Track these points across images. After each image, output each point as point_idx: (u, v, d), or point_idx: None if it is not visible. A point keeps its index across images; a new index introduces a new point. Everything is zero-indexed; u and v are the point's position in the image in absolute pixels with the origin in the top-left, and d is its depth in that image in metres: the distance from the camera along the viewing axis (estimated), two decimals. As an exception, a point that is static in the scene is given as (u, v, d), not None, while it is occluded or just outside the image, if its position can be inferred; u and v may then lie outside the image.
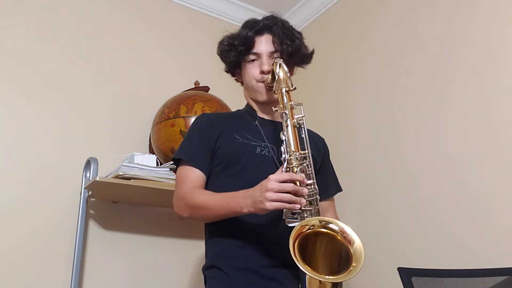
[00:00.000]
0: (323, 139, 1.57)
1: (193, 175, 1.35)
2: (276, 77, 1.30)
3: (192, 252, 2.15)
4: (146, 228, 2.10)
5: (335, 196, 1.54)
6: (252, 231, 1.28)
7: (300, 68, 1.54)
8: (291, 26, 1.46)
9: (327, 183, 1.49)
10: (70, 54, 2.13)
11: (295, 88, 1.30)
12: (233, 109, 1.74)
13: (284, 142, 1.23)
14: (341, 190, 1.56)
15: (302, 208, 1.15)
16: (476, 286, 1.26)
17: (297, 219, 1.16)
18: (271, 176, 1.14)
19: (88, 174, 1.91)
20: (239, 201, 1.19)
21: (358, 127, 2.21)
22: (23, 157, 1.90)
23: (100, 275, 1.94)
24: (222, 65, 1.53)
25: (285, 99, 1.27)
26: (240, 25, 1.47)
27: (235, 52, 1.43)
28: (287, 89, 1.29)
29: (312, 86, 2.48)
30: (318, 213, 1.20)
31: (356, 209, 2.07)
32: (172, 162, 1.88)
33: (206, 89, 2.20)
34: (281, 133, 1.25)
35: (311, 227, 1.11)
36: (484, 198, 1.62)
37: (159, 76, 2.36)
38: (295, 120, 1.26)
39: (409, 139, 1.93)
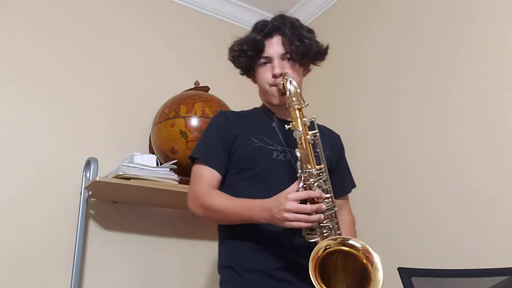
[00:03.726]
0: (338, 136, 1.58)
1: (209, 175, 1.35)
2: (287, 93, 1.30)
3: (192, 252, 2.16)
4: (146, 228, 2.10)
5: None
6: (266, 234, 1.29)
7: None
8: (301, 24, 1.43)
9: (343, 179, 1.51)
10: (70, 54, 2.13)
11: (307, 105, 1.31)
12: (233, 109, 1.74)
13: (299, 159, 1.24)
14: (355, 186, 1.57)
15: (321, 224, 1.18)
16: (476, 286, 1.26)
17: (316, 235, 1.19)
18: (289, 195, 1.16)
19: (88, 174, 1.91)
20: (257, 212, 1.22)
21: (358, 127, 2.21)
22: (23, 157, 1.90)
23: (100, 275, 1.94)
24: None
25: (297, 116, 1.28)
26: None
27: (245, 57, 1.42)
28: (299, 106, 1.29)
29: (312, 85, 2.47)
30: (337, 227, 1.24)
31: (356, 209, 2.06)
32: (172, 162, 1.90)
33: (206, 89, 2.19)
34: (296, 150, 1.25)
35: (327, 248, 1.13)
36: (484, 198, 1.62)
37: (159, 76, 2.36)
38: (309, 137, 1.26)
39: (409, 139, 1.93)
